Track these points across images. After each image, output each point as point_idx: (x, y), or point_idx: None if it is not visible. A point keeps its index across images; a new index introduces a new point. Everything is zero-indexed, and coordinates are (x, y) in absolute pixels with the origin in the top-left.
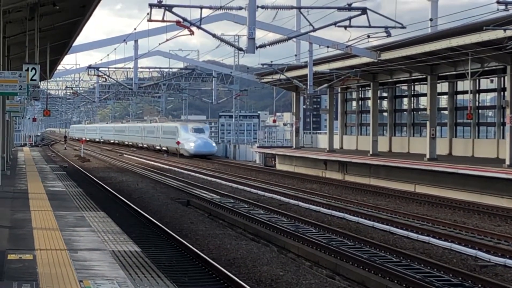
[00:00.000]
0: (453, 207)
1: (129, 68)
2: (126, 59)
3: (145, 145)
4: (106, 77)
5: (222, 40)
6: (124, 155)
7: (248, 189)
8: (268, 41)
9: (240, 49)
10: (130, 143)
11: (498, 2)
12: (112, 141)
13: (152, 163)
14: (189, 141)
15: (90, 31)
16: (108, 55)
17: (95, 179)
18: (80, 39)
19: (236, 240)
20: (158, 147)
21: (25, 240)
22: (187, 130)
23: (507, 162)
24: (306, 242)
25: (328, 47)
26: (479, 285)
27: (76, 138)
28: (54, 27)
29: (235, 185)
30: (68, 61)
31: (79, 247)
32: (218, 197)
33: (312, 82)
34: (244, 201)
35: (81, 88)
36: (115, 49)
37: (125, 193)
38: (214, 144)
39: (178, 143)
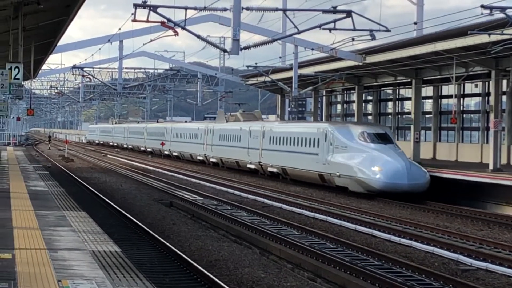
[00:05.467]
0: (435, 211)
1: (114, 68)
2: (110, 59)
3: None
4: (91, 77)
5: (206, 41)
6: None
7: (232, 191)
8: (253, 43)
9: (225, 51)
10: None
11: (482, 7)
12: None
13: (136, 164)
14: (368, 161)
15: (75, 31)
16: (92, 55)
17: (78, 179)
18: (65, 39)
19: (218, 241)
20: (252, 166)
21: (5, 239)
22: (352, 136)
23: (491, 167)
24: (288, 244)
25: (312, 49)
26: None
27: (98, 142)
28: (38, 26)
29: (218, 187)
30: (53, 61)
31: (59, 247)
32: (201, 198)
33: (297, 84)
34: (227, 203)
35: (65, 88)
36: (99, 49)
37: (108, 194)
38: (424, 170)
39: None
